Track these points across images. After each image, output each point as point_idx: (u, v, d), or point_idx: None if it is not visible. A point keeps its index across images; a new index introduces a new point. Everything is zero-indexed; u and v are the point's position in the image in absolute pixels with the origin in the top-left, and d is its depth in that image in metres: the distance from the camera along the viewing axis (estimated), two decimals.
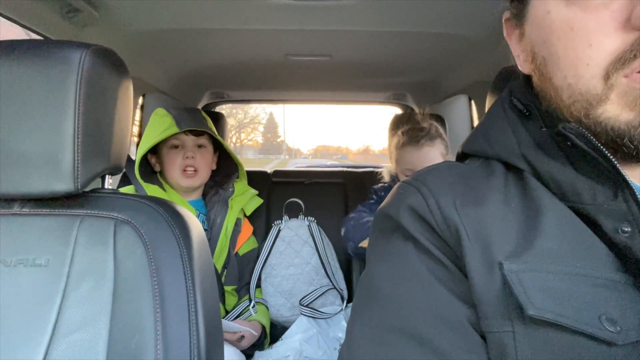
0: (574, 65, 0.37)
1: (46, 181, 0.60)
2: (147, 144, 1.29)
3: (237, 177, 1.53)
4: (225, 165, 1.52)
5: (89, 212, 0.66)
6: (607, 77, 0.35)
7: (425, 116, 1.43)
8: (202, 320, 0.62)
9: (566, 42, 0.37)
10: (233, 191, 1.48)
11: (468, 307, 0.39)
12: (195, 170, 1.36)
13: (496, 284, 0.37)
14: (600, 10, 0.35)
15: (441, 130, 1.41)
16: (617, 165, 0.36)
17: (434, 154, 1.34)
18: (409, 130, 1.39)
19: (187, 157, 1.34)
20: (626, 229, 0.36)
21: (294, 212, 1.72)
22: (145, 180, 1.31)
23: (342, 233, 1.49)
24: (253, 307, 1.42)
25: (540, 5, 0.40)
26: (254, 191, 1.57)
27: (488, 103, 1.01)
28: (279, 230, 1.62)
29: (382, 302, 0.42)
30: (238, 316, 1.41)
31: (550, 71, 0.40)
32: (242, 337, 1.25)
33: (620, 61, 0.34)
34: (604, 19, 0.35)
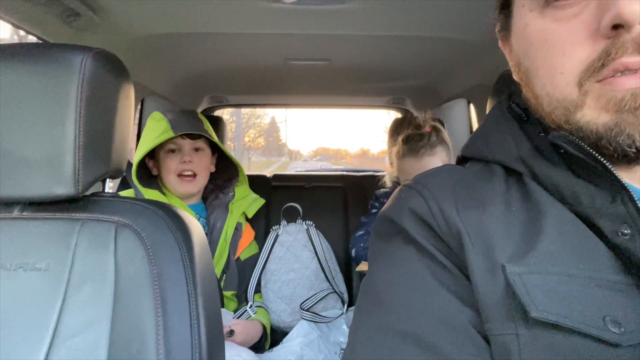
0: (550, 75, 0.39)
1: (47, 185, 0.60)
2: (143, 148, 1.28)
3: (238, 182, 1.52)
4: (226, 169, 1.51)
5: (89, 215, 0.65)
6: (580, 84, 0.37)
7: (426, 120, 1.39)
8: (204, 324, 0.62)
9: (542, 53, 0.39)
10: (234, 195, 1.47)
11: (471, 310, 0.39)
12: (193, 175, 1.35)
13: (499, 286, 0.37)
14: (572, 21, 0.37)
15: (443, 135, 1.37)
16: (612, 169, 0.37)
17: (434, 163, 1.29)
18: (408, 138, 1.35)
19: (184, 162, 1.33)
20: (626, 232, 0.36)
21: (292, 217, 1.72)
22: (145, 185, 1.31)
23: (353, 254, 1.49)
24: (250, 307, 1.41)
25: (520, 19, 0.42)
26: (254, 195, 1.56)
27: (489, 107, 1.02)
28: (277, 236, 1.62)
29: (384, 305, 0.42)
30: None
31: (532, 81, 0.42)
32: (232, 331, 1.23)
33: (590, 70, 0.36)
34: (575, 28, 0.36)
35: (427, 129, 1.36)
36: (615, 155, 0.36)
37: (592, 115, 0.37)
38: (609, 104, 0.35)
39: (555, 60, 0.38)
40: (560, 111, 0.39)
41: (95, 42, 1.11)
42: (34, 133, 0.59)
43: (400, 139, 1.39)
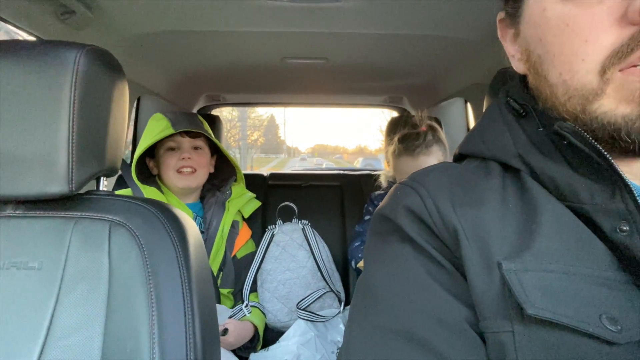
0: (569, 62, 0.37)
1: (40, 183, 0.59)
2: (143, 145, 1.30)
3: (235, 181, 1.53)
4: (224, 169, 1.53)
5: (83, 214, 0.65)
6: (603, 72, 0.35)
7: (422, 119, 1.40)
8: (199, 323, 0.61)
9: (562, 39, 0.38)
10: (230, 194, 1.49)
11: (467, 307, 0.38)
12: (193, 170, 1.36)
13: (495, 284, 0.37)
14: (595, 6, 0.35)
15: (439, 134, 1.37)
16: (614, 163, 0.36)
17: (430, 162, 1.29)
18: (404, 137, 1.36)
19: (182, 159, 1.35)
20: (624, 228, 0.36)
21: (288, 216, 1.72)
22: (143, 183, 1.32)
23: (353, 265, 1.49)
24: (246, 306, 1.41)
25: (536, 4, 0.41)
26: (251, 194, 1.57)
27: (486, 105, 1.02)
28: (273, 235, 1.62)
29: (380, 304, 0.41)
30: (231, 317, 1.40)
31: (546, 69, 0.40)
32: (225, 330, 1.24)
33: (617, 56, 0.34)
34: (600, 14, 0.35)
35: (423, 128, 1.36)
36: (631, 148, 0.36)
37: (610, 106, 0.36)
38: (633, 94, 0.34)
39: (577, 47, 0.36)
40: (576, 100, 0.37)
41: (90, 40, 1.10)
42: (27, 130, 0.59)
43: (396, 138, 1.39)
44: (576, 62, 0.37)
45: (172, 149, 1.36)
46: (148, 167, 1.42)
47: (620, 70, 0.35)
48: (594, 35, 0.35)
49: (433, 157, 1.31)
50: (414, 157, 1.31)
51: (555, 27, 0.38)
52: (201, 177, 1.40)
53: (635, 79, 0.34)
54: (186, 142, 1.37)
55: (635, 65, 0.34)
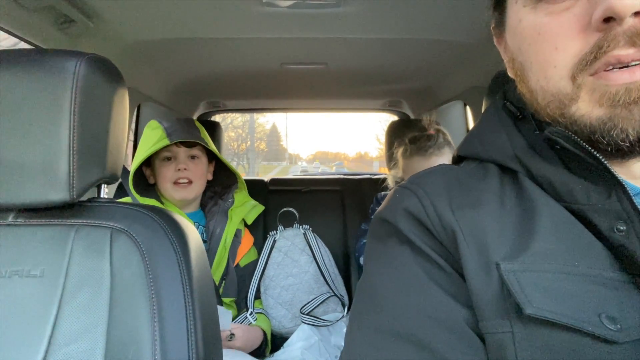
0: (543, 68, 0.39)
1: (41, 191, 0.59)
2: (139, 157, 1.29)
3: (237, 188, 1.52)
4: (225, 176, 1.51)
5: (84, 221, 0.65)
6: (573, 78, 0.37)
7: (430, 123, 1.41)
8: (201, 329, 0.61)
9: (536, 47, 0.39)
10: (233, 202, 1.47)
11: (466, 309, 0.39)
12: (189, 182, 1.35)
13: (494, 284, 0.37)
14: (564, 15, 0.37)
15: (448, 137, 1.39)
16: (608, 165, 0.37)
17: (441, 163, 1.30)
18: (415, 138, 1.37)
19: (179, 169, 1.33)
20: (621, 228, 0.36)
21: (289, 221, 1.71)
22: (143, 194, 1.31)
23: (362, 262, 1.49)
24: (251, 314, 1.41)
25: (513, 15, 0.42)
26: (254, 202, 1.55)
27: (484, 108, 1.02)
28: (274, 241, 1.62)
29: (380, 306, 0.42)
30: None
31: (526, 75, 0.42)
32: (232, 335, 1.23)
33: (583, 62, 0.36)
34: (568, 22, 0.37)
35: (432, 131, 1.38)
36: (609, 149, 0.37)
37: (587, 109, 0.37)
38: (603, 98, 0.35)
39: (548, 54, 0.38)
40: (555, 104, 0.39)
41: (90, 49, 1.11)
42: (28, 139, 0.59)
43: (406, 139, 1.40)
44: (549, 69, 0.38)
45: (168, 158, 1.35)
46: (145, 175, 1.40)
47: (590, 75, 0.36)
48: (562, 42, 0.37)
49: (444, 157, 1.33)
50: (426, 158, 1.32)
51: (529, 36, 0.40)
52: (198, 188, 1.39)
53: (604, 83, 0.35)
54: (182, 152, 1.35)
55: (605, 70, 0.35)
